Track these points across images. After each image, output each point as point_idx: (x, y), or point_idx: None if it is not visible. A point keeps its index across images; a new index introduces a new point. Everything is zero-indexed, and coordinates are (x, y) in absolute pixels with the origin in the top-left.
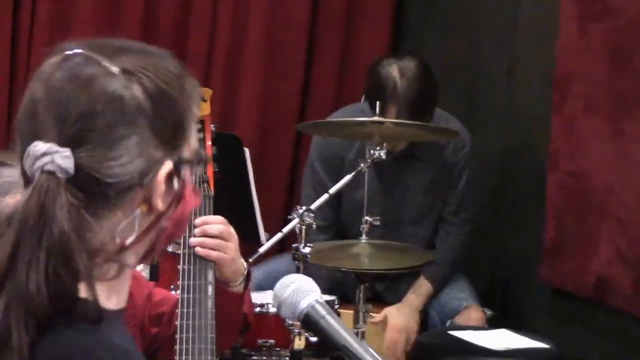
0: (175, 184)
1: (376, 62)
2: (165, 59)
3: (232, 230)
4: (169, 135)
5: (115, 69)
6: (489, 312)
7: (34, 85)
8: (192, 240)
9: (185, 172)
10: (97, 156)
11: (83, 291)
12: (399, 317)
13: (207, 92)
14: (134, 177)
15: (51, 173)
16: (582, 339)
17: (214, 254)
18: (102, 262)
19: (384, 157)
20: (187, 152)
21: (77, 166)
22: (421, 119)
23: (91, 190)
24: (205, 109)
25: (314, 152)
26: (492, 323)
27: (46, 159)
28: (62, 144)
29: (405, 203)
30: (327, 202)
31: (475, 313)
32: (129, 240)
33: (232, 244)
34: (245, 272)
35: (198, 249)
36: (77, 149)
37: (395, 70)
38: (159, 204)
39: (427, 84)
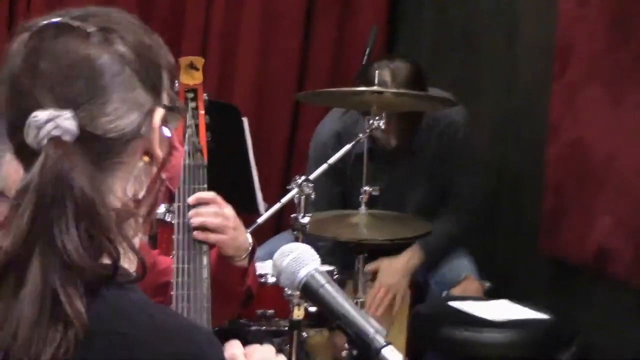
0: (166, 131)
1: (368, 64)
2: (127, 14)
3: (227, 210)
4: (154, 82)
5: (92, 29)
6: (487, 284)
7: (10, 65)
8: (194, 220)
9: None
10: (96, 114)
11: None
12: (389, 275)
13: (199, 61)
14: (133, 128)
15: (58, 138)
16: (582, 309)
17: (212, 236)
18: (126, 219)
19: (382, 126)
20: (166, 100)
21: (80, 127)
22: (413, 120)
23: (97, 149)
24: (197, 78)
25: (313, 159)
26: (491, 294)
27: (50, 125)
28: (61, 107)
29: (404, 201)
30: (330, 201)
31: (472, 284)
32: (141, 194)
33: (230, 223)
34: (250, 247)
35: (196, 234)
36: (76, 109)
37: (387, 75)
38: (159, 152)
39: (418, 87)
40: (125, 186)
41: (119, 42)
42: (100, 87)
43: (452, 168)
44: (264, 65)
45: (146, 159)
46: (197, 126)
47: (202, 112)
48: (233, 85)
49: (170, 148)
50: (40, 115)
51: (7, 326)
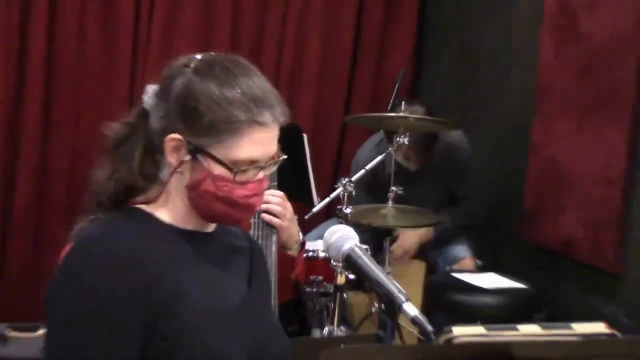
0: (187, 155)
1: (393, 105)
2: (234, 79)
3: (288, 205)
4: (185, 120)
5: (184, 60)
6: (480, 262)
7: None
8: (263, 205)
9: (208, 162)
10: (156, 105)
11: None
12: (406, 241)
13: None
14: (157, 128)
15: (143, 106)
16: (552, 282)
17: (273, 219)
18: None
19: (406, 142)
20: (213, 150)
21: (149, 108)
22: (427, 150)
23: (149, 126)
24: None
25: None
26: (482, 270)
27: (145, 96)
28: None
29: (423, 200)
30: (367, 199)
31: (469, 262)
32: (162, 180)
33: (288, 214)
34: (300, 241)
35: (264, 215)
36: (157, 97)
37: (407, 111)
38: (170, 158)
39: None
40: (161, 164)
41: (180, 85)
42: (161, 96)
43: (459, 180)
44: (321, 93)
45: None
46: None
47: None
48: (297, 110)
49: (194, 186)
50: (149, 88)
51: None
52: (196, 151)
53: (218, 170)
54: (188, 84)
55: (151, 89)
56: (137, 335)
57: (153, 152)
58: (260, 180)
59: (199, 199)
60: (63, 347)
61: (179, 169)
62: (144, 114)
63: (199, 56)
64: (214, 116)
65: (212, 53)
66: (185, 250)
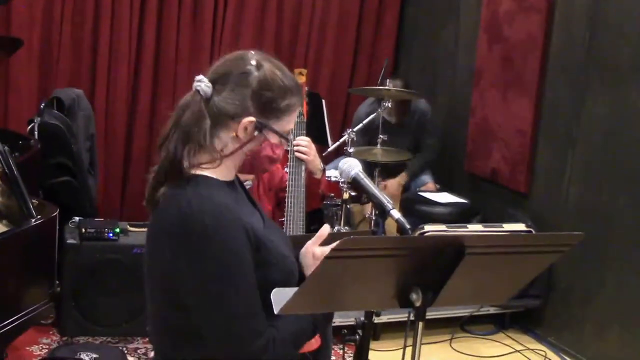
0: (255, 132)
1: (383, 78)
2: (286, 75)
3: (312, 145)
4: (262, 106)
5: (253, 62)
6: (438, 186)
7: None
8: (296, 147)
9: (269, 135)
10: (218, 91)
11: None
12: (391, 188)
13: (304, 71)
14: (230, 112)
15: (198, 91)
16: (484, 198)
17: (302, 155)
18: (212, 157)
19: (390, 106)
20: (274, 125)
21: (210, 94)
22: (403, 109)
23: (211, 108)
24: (303, 79)
25: (354, 122)
26: (439, 191)
27: (199, 83)
28: (209, 80)
29: (400, 144)
30: (362, 138)
31: (432, 186)
32: (227, 152)
33: (312, 152)
34: (322, 168)
35: (296, 154)
36: (214, 85)
37: (391, 84)
38: (242, 135)
39: (406, 89)
40: (221, 141)
41: (255, 76)
42: (228, 83)
43: (424, 133)
44: (335, 72)
45: (234, 134)
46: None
47: (305, 96)
48: (319, 83)
49: (259, 148)
50: (200, 77)
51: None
52: (263, 128)
53: (275, 139)
54: (261, 79)
55: (203, 78)
56: (252, 262)
57: (215, 128)
58: None
59: (256, 161)
60: (219, 291)
61: (247, 144)
62: (205, 99)
63: (253, 52)
64: (284, 102)
65: (255, 51)
66: (234, 197)
